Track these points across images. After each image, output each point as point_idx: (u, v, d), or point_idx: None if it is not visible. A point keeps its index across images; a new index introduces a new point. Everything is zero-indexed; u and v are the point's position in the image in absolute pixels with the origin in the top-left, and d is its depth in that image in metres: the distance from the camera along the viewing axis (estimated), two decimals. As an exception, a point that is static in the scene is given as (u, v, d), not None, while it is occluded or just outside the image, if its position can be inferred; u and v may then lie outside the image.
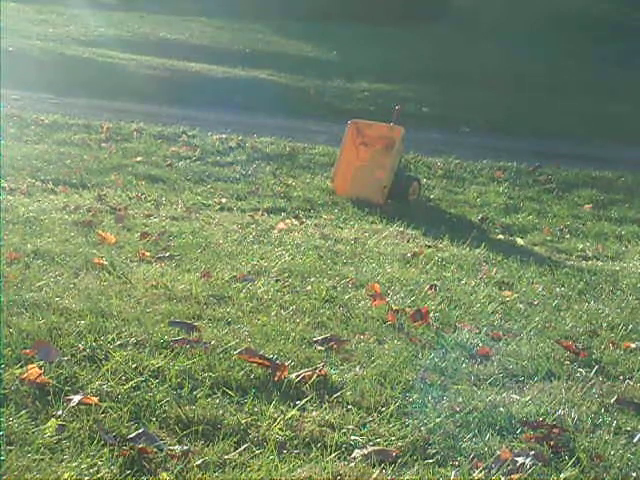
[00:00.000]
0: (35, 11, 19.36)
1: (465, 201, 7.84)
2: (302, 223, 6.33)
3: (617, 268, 5.75)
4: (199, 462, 2.65)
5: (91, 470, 2.53)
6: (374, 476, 2.68)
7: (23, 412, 2.79)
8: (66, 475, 2.50)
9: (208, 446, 2.75)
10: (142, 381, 3.08)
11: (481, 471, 2.76)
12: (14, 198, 5.66)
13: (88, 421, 2.77)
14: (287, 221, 6.30)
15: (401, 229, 6.53)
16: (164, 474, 2.57)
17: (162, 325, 3.63)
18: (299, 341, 3.66)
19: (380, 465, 2.74)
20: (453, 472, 2.75)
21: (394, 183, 7.50)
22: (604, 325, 4.39)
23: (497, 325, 4.14)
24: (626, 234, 7.21)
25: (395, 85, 14.64)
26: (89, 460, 2.58)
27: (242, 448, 2.75)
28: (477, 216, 7.30)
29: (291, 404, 3.07)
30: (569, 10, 20.03)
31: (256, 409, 3.00)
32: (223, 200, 6.98)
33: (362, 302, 4.31)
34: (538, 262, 5.66)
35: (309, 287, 4.46)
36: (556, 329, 4.19)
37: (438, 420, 3.05)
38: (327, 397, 3.16)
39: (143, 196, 6.36)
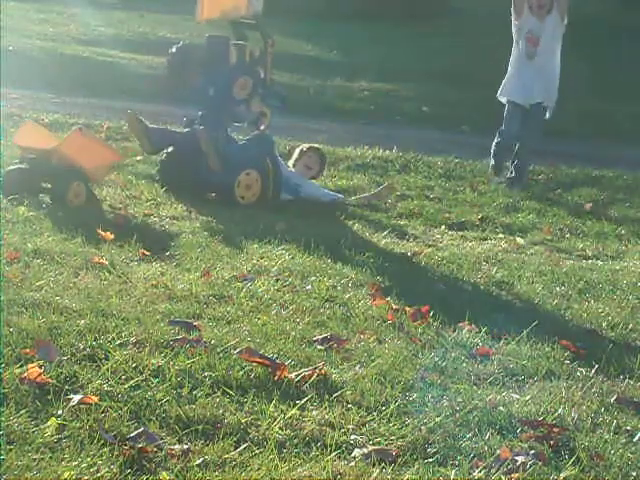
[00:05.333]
0: (35, 10, 19.34)
1: (465, 201, 7.84)
2: (302, 221, 6.32)
3: (617, 267, 5.75)
4: (199, 461, 2.65)
5: (91, 469, 2.54)
6: (374, 475, 2.68)
7: (23, 411, 2.79)
8: (66, 474, 2.50)
9: (208, 445, 2.75)
10: (142, 380, 3.08)
11: (481, 470, 2.76)
12: (14, 197, 5.64)
13: (88, 420, 2.77)
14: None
15: (401, 228, 6.54)
16: (164, 473, 2.57)
17: (162, 324, 3.63)
18: (299, 340, 3.66)
19: (380, 464, 2.74)
20: (453, 471, 2.75)
21: None
22: (604, 324, 4.39)
23: (497, 324, 4.14)
24: (626, 233, 7.20)
25: (395, 84, 14.63)
26: (89, 459, 2.58)
27: (242, 447, 2.76)
28: (477, 216, 7.30)
29: (291, 403, 3.07)
30: (571, 10, 19.99)
31: (256, 408, 3.01)
32: (223, 199, 6.96)
33: (362, 301, 4.32)
34: (538, 261, 5.66)
35: (309, 286, 4.46)
36: (556, 328, 4.19)
37: (438, 419, 3.05)
38: (327, 396, 3.16)
39: (143, 195, 6.36)
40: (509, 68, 8.77)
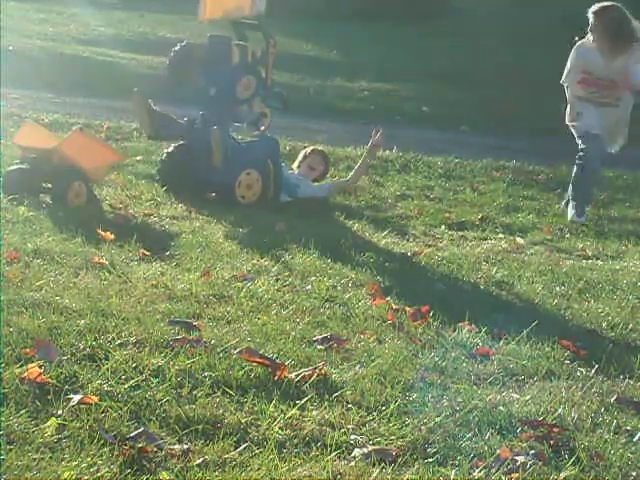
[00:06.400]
0: (35, 10, 19.36)
1: (465, 201, 7.84)
2: (302, 221, 6.33)
3: (617, 267, 5.75)
4: (199, 461, 2.65)
5: (91, 469, 2.54)
6: (374, 475, 2.68)
7: (23, 411, 2.79)
8: (66, 474, 2.50)
9: (208, 445, 2.75)
10: (142, 380, 3.08)
11: (481, 470, 2.76)
12: (14, 197, 5.65)
13: (88, 420, 2.77)
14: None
15: (401, 228, 6.54)
16: (164, 473, 2.57)
17: (162, 324, 3.63)
18: (299, 340, 3.66)
19: (380, 464, 2.74)
20: (453, 471, 2.75)
21: None
22: (604, 324, 4.40)
23: (497, 324, 4.14)
24: (626, 233, 7.21)
25: (395, 84, 14.64)
26: (89, 459, 2.58)
27: (242, 447, 2.76)
28: (477, 216, 7.30)
29: (291, 403, 3.07)
30: (570, 10, 20.01)
31: (256, 408, 3.01)
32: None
33: (362, 301, 4.32)
34: (538, 261, 5.66)
35: (309, 286, 4.46)
36: (556, 328, 4.19)
37: (438, 419, 3.05)
38: (327, 396, 3.16)
39: (143, 195, 6.36)
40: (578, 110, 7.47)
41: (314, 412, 3.03)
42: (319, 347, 3.62)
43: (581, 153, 7.41)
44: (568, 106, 7.53)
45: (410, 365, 3.53)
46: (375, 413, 3.08)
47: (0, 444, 2.59)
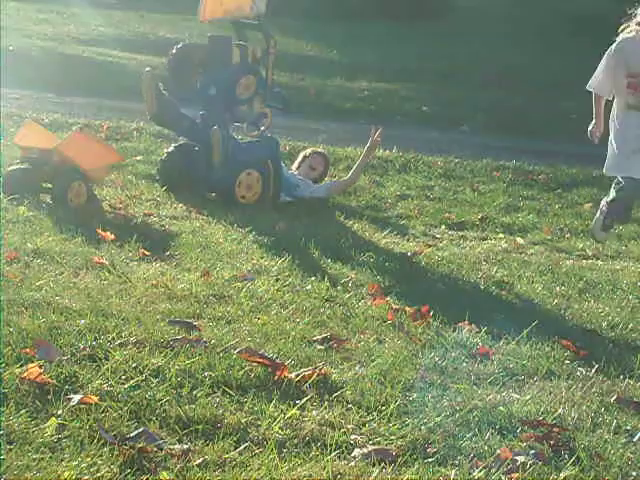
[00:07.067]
0: (35, 10, 19.35)
1: (465, 201, 7.84)
2: (302, 221, 6.33)
3: (617, 267, 5.75)
4: (199, 461, 2.65)
5: (91, 469, 2.54)
6: (374, 475, 2.68)
7: (23, 411, 2.79)
8: (66, 474, 2.50)
9: (208, 445, 2.75)
10: (142, 380, 3.08)
11: (481, 470, 2.76)
12: (14, 197, 5.64)
13: (88, 420, 2.77)
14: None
15: (401, 228, 6.54)
16: (164, 473, 2.57)
17: (162, 324, 3.63)
18: (299, 340, 3.66)
19: (380, 464, 2.74)
20: (453, 471, 2.75)
21: None
22: (604, 324, 4.40)
23: (497, 324, 4.14)
24: (626, 233, 7.21)
25: (395, 84, 14.63)
26: (89, 459, 2.58)
27: (242, 447, 2.76)
28: (477, 216, 7.30)
29: (291, 403, 3.07)
30: (571, 10, 20.04)
31: (256, 408, 3.01)
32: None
33: (362, 301, 4.32)
34: (538, 261, 5.66)
35: (309, 286, 4.46)
36: (556, 328, 4.19)
37: (438, 419, 3.05)
38: (327, 396, 3.16)
39: (143, 195, 6.36)
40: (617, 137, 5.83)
41: (314, 412, 3.03)
42: (319, 347, 3.62)
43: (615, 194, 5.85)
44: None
45: (410, 365, 3.53)
46: (375, 413, 3.08)
47: (0, 444, 2.59)
